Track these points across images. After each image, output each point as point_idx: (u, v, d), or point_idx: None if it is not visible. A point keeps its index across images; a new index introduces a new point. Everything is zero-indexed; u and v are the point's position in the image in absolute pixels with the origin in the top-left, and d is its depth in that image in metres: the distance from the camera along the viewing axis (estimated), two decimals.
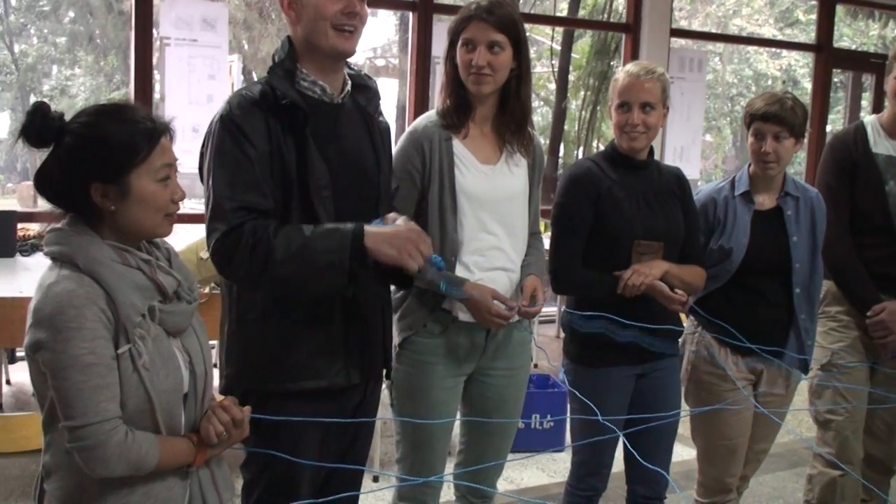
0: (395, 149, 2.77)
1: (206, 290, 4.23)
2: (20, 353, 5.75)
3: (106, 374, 1.79)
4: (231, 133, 2.22)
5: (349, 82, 2.46)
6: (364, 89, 2.52)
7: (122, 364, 1.83)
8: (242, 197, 2.20)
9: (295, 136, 2.27)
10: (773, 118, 3.09)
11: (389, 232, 2.22)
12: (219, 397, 2.11)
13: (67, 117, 1.90)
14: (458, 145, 2.75)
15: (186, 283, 2.04)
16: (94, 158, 1.85)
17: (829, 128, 10.73)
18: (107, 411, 1.79)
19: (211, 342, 2.21)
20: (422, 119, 2.82)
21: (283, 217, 2.25)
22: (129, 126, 1.87)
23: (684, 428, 3.30)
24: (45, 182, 1.90)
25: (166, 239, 2.08)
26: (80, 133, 1.86)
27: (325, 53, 2.34)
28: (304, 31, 2.33)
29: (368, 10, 2.41)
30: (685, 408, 3.26)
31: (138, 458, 1.83)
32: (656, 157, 3.11)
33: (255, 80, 2.37)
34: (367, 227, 2.21)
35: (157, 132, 1.91)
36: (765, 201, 3.23)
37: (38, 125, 1.86)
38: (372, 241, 2.18)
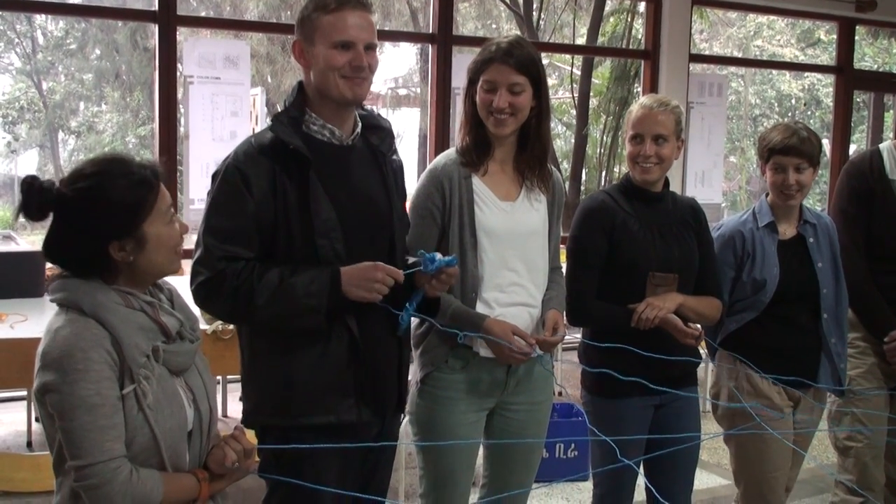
0: (415, 186, 2.83)
1: (232, 325, 4.27)
2: None
3: (111, 415, 1.85)
4: (233, 182, 2.33)
5: (360, 124, 2.53)
6: (377, 129, 2.58)
7: (127, 404, 1.89)
8: (230, 248, 2.32)
9: (300, 180, 2.36)
10: (792, 151, 3.13)
11: (354, 272, 2.33)
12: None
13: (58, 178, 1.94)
14: (477, 182, 2.78)
15: (189, 322, 2.10)
16: (107, 221, 1.91)
17: (852, 147, 10.69)
18: (112, 451, 1.84)
19: (232, 376, 2.25)
20: (441, 157, 2.85)
21: (286, 259, 2.35)
22: (129, 179, 1.93)
23: (708, 455, 3.30)
24: (58, 251, 1.97)
25: (171, 280, 2.15)
26: (86, 198, 1.91)
27: (335, 101, 2.43)
28: (315, 79, 2.43)
29: (390, 42, 2.49)
30: (705, 434, 3.26)
31: (143, 496, 1.87)
32: (677, 182, 3.14)
33: (266, 126, 2.47)
34: (343, 269, 2.32)
35: (155, 177, 1.98)
36: (786, 230, 3.27)
37: (37, 199, 1.91)
38: (345, 284, 2.31)
